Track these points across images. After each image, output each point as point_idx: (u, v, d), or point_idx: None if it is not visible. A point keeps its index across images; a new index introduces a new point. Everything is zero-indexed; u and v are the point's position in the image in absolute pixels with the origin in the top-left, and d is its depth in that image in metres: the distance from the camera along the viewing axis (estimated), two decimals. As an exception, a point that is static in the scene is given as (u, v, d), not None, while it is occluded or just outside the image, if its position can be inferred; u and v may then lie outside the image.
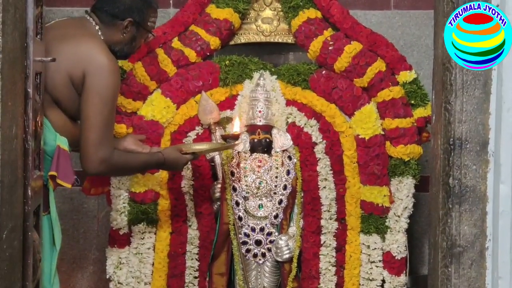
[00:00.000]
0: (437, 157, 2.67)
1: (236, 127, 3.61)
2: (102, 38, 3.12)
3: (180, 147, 3.33)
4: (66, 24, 3.19)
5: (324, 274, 3.66)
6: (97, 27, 3.13)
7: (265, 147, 3.65)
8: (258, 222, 3.65)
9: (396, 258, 3.64)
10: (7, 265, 2.30)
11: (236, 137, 3.58)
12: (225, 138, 3.58)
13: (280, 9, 3.82)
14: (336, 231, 3.67)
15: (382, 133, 3.64)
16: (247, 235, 3.65)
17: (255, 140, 3.64)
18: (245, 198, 3.65)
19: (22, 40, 2.39)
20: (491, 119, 2.58)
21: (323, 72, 3.70)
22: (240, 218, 3.64)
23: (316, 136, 3.67)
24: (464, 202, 2.61)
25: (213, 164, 3.68)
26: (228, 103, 3.71)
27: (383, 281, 3.66)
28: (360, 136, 3.64)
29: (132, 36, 3.18)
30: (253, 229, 3.65)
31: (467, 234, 2.61)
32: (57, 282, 2.96)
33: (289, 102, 3.70)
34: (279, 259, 3.65)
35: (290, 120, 3.69)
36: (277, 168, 3.65)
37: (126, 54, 3.23)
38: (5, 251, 2.29)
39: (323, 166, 3.66)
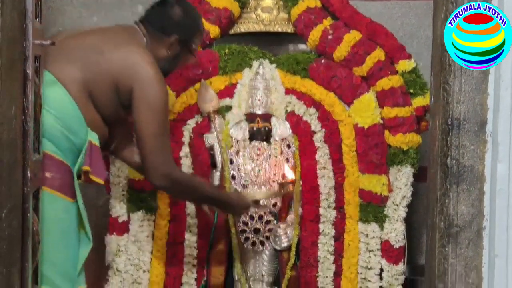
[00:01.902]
0: (435, 137, 2.67)
1: (290, 173, 3.61)
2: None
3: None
4: (116, 29, 3.17)
5: (322, 263, 3.67)
6: (144, 39, 3.09)
7: (264, 135, 3.66)
8: (256, 211, 3.65)
9: (394, 247, 3.65)
10: (6, 245, 2.30)
11: (292, 182, 3.60)
12: (282, 184, 3.59)
13: (279, -2, 3.84)
14: (334, 219, 3.68)
15: (381, 122, 3.65)
16: (245, 224, 3.65)
17: (254, 128, 3.65)
18: (244, 186, 3.65)
19: (21, 21, 2.39)
20: (489, 99, 2.59)
21: (323, 61, 3.71)
22: (239, 206, 3.65)
23: (315, 125, 3.67)
24: (462, 182, 2.62)
25: (212, 152, 3.69)
26: (228, 92, 3.71)
27: (381, 269, 3.67)
28: (359, 125, 3.64)
29: (175, 54, 3.13)
30: (251, 218, 3.65)
31: (464, 214, 2.62)
32: (83, 276, 2.94)
33: (288, 91, 3.71)
34: (277, 248, 3.66)
35: (289, 109, 3.70)
36: (276, 156, 3.65)
37: (167, 71, 3.14)
38: (4, 230, 2.29)
39: (322, 155, 3.67)
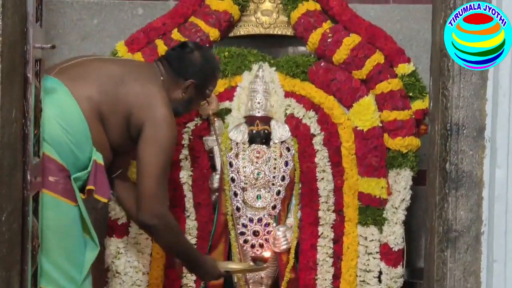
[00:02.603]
0: (434, 142, 2.69)
1: (266, 253, 3.65)
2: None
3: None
4: (139, 64, 3.25)
5: (321, 265, 3.68)
6: (161, 78, 3.11)
7: (263, 138, 3.66)
8: (256, 213, 3.66)
9: (393, 249, 3.65)
10: (6, 248, 2.31)
11: (265, 260, 3.63)
12: (254, 260, 3.62)
13: (279, 1, 3.84)
14: (333, 222, 3.69)
15: (380, 125, 3.66)
16: (245, 226, 3.66)
17: (254, 131, 3.66)
18: (243, 189, 3.66)
19: (22, 25, 2.40)
20: (487, 105, 2.60)
21: (322, 64, 3.72)
22: (238, 209, 3.65)
23: (315, 128, 3.68)
24: (461, 187, 2.63)
25: (211, 155, 3.70)
26: (227, 95, 3.72)
27: (380, 272, 3.68)
28: (358, 128, 3.65)
29: (189, 98, 3.16)
30: (251, 220, 3.66)
31: (463, 219, 2.63)
32: (90, 281, 2.95)
33: (287, 94, 3.72)
34: (276, 250, 3.66)
35: (288, 112, 3.71)
36: (275, 159, 3.66)
37: (179, 113, 3.17)
38: (4, 234, 2.30)
39: (321, 158, 3.68)
